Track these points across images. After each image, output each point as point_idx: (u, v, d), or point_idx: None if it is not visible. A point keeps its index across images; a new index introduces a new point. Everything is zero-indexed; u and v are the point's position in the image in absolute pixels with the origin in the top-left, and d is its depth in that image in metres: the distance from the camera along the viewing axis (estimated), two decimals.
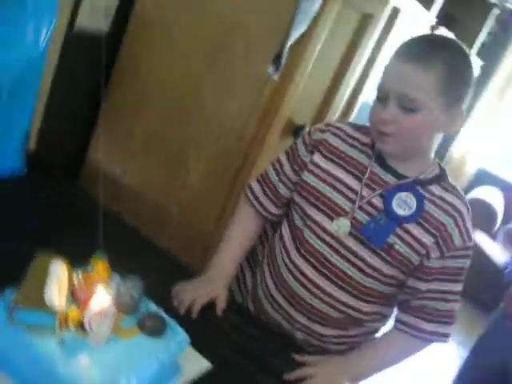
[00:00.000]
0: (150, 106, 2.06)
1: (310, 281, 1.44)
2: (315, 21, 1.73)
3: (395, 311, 1.52)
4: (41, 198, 1.66)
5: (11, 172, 1.68)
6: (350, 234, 1.39)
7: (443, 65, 1.26)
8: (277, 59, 1.72)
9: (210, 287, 1.46)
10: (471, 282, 4.72)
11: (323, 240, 1.42)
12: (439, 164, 1.44)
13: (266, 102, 1.83)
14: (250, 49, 1.82)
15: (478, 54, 3.79)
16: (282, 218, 1.56)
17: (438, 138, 1.38)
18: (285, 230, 1.52)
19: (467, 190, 5.57)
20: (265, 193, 1.55)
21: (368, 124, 1.41)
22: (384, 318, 1.54)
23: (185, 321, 1.22)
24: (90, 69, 2.10)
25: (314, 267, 1.43)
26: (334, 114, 2.30)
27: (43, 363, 0.96)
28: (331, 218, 1.40)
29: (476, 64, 4.01)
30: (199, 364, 1.24)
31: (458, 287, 1.41)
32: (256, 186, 1.57)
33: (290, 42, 1.71)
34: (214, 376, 1.23)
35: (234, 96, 1.87)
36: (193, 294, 1.41)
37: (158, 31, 2.01)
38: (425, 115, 1.28)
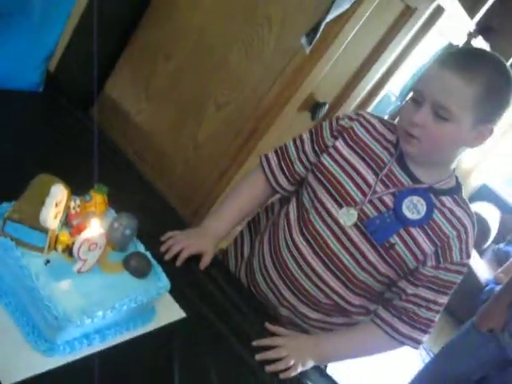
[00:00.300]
0: (176, 53, 2.04)
1: (307, 262, 1.46)
2: (358, 2, 1.71)
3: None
4: (50, 119, 1.67)
5: (29, 86, 1.68)
6: (355, 225, 1.40)
7: (486, 81, 1.26)
8: (312, 33, 1.70)
9: (200, 240, 1.48)
10: (453, 296, 4.77)
11: (327, 225, 1.43)
12: (456, 177, 1.45)
13: (292, 72, 1.81)
14: (287, 18, 1.80)
15: None
16: (292, 194, 1.57)
17: (461, 151, 1.38)
18: (292, 208, 1.53)
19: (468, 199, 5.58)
20: (281, 166, 1.55)
21: (395, 122, 1.42)
22: (369, 313, 1.56)
23: (169, 268, 1.24)
24: (122, 4, 2.09)
25: (313, 250, 1.45)
26: (355, 99, 2.28)
27: (26, 279, 0.97)
28: (340, 206, 1.42)
29: None
30: (174, 312, 1.26)
31: (444, 299, 1.42)
32: (273, 158, 1.57)
33: (328, 19, 1.69)
34: (186, 327, 1.25)
35: (262, 60, 1.85)
36: (183, 242, 1.43)
37: None
38: (455, 126, 1.28)
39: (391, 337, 1.43)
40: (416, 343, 1.44)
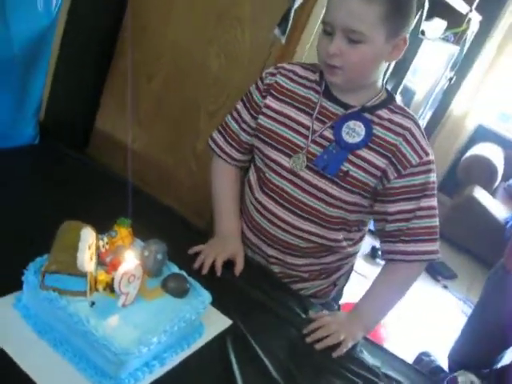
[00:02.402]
0: (157, 72, 2.07)
1: (277, 216, 1.53)
2: None
3: (379, 245, 1.57)
4: (52, 167, 1.68)
5: (25, 140, 1.70)
6: (307, 167, 1.46)
7: None
8: (283, 22, 1.73)
9: (226, 245, 1.52)
10: (473, 238, 4.80)
11: (283, 177, 1.50)
12: (387, 90, 1.49)
13: (273, 65, 1.83)
14: (256, 14, 1.83)
15: (477, 8, 3.76)
16: (250, 163, 1.64)
17: (383, 67, 1.43)
18: (251, 173, 1.61)
19: (467, 146, 5.60)
20: (228, 142, 1.62)
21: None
22: (355, 242, 1.62)
23: (204, 281, 1.27)
24: (95, 36, 2.12)
25: (278, 203, 1.52)
26: None
27: (77, 325, 1.00)
28: (289, 156, 1.48)
29: (475, 19, 4.00)
30: (221, 321, 1.29)
31: (428, 202, 1.44)
32: (218, 137, 1.65)
33: (296, 5, 1.71)
34: (235, 333, 1.28)
35: (242, 60, 1.88)
36: (212, 253, 1.47)
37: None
38: (369, 46, 1.33)
39: (405, 261, 1.46)
40: (430, 254, 1.45)
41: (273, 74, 1.53)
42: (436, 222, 1.45)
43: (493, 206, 4.91)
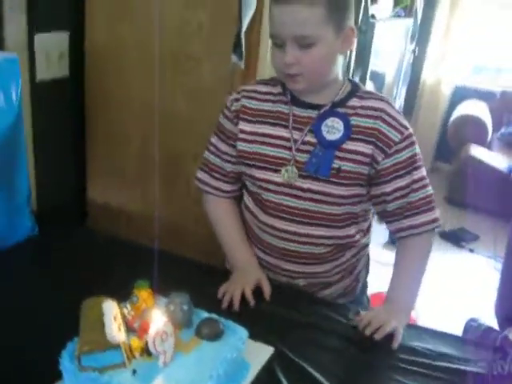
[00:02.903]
0: (132, 129, 2.09)
1: (285, 231, 1.52)
2: (260, 1, 1.76)
3: (385, 229, 1.59)
4: (58, 251, 1.69)
5: (25, 234, 1.71)
6: (300, 176, 1.46)
7: None
8: (237, 48, 1.74)
9: (248, 275, 1.52)
10: (482, 196, 4.79)
11: (280, 192, 1.50)
12: (350, 80, 1.52)
13: None
14: (209, 47, 1.85)
15: None
16: (243, 191, 1.65)
17: (340, 61, 1.45)
18: (247, 199, 1.62)
19: (451, 110, 5.61)
20: (214, 177, 1.63)
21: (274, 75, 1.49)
22: (365, 233, 1.63)
23: (237, 317, 1.27)
24: (64, 114, 2.14)
25: (283, 218, 1.52)
26: None
27: None
28: (278, 171, 1.48)
29: None
30: (263, 352, 1.28)
31: (418, 174, 1.47)
32: (203, 175, 1.66)
33: (243, 29, 1.73)
34: (281, 357, 1.27)
35: (208, 95, 1.90)
36: (239, 286, 1.46)
37: (114, 60, 2.04)
38: (322, 46, 1.35)
39: (415, 235, 1.48)
40: (431, 224, 1.48)
41: (237, 100, 1.55)
42: (430, 190, 1.49)
43: (492, 159, 4.92)
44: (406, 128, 1.44)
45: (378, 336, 1.33)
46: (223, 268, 1.72)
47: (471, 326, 2.95)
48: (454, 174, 4.90)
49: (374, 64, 3.22)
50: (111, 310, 1.09)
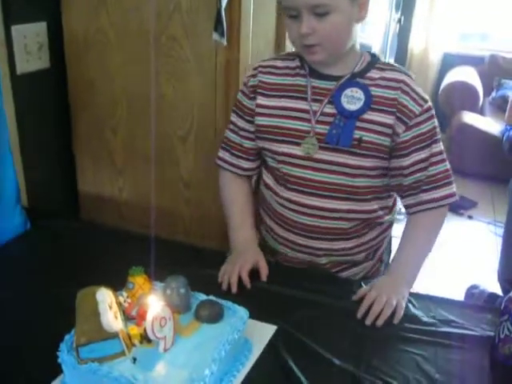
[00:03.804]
0: (118, 121, 2.06)
1: (308, 206, 1.49)
2: None
3: (399, 202, 1.59)
4: (52, 244, 1.67)
5: (16, 230, 1.69)
6: (320, 148, 1.44)
7: None
8: (218, 25, 1.71)
9: (246, 255, 1.50)
10: (478, 162, 4.76)
11: (301, 166, 1.48)
12: (368, 52, 1.49)
13: (224, 70, 1.83)
14: (188, 27, 1.81)
15: None
16: (260, 169, 1.63)
17: (356, 31, 1.42)
18: (266, 177, 1.59)
19: (440, 77, 5.58)
20: (234, 155, 1.61)
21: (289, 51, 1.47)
22: (390, 210, 1.60)
23: (234, 297, 1.27)
24: (48, 106, 2.11)
25: (305, 193, 1.49)
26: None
27: None
28: (298, 144, 1.46)
29: None
30: (265, 330, 1.27)
31: (437, 147, 1.46)
32: (224, 154, 1.64)
33: (223, 5, 1.70)
34: (285, 334, 1.26)
35: (192, 78, 1.87)
36: (235, 268, 1.44)
37: (94, 48, 2.01)
38: (338, 14, 1.33)
39: (430, 210, 1.47)
40: (450, 198, 1.47)
41: (253, 76, 1.53)
42: (448, 165, 1.47)
43: (486, 124, 4.89)
44: (426, 101, 1.43)
45: (379, 323, 1.31)
46: (218, 250, 1.70)
47: (473, 293, 2.95)
48: (448, 141, 4.87)
49: (360, 36, 3.17)
50: (106, 298, 1.06)
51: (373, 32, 3.69)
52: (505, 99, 5.09)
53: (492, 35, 5.84)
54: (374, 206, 1.53)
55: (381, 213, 1.56)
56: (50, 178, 2.19)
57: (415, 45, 5.66)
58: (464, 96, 5.07)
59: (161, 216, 2.08)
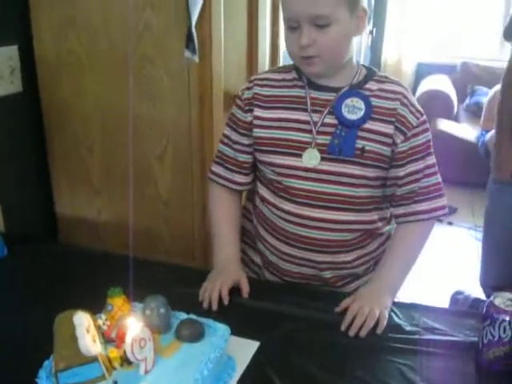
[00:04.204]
0: (93, 139, 2.04)
1: (310, 218, 1.47)
2: None
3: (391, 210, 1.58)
4: (29, 269, 1.65)
5: None
6: (322, 158, 1.43)
7: None
8: (190, 42, 1.71)
9: (227, 273, 1.48)
10: (456, 168, 4.79)
11: (302, 177, 1.46)
12: (363, 65, 1.50)
13: (198, 87, 1.82)
14: (160, 46, 1.81)
15: None
16: (254, 184, 1.60)
17: (354, 44, 1.42)
18: (262, 191, 1.56)
19: (415, 87, 5.64)
20: (228, 169, 1.59)
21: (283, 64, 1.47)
22: (388, 220, 1.60)
23: (215, 315, 1.26)
24: (22, 130, 2.09)
25: (307, 204, 1.47)
26: (264, 67, 2.29)
27: None
28: (299, 156, 1.45)
29: None
30: (248, 347, 1.25)
31: (431, 160, 1.47)
32: (217, 168, 1.61)
33: (193, 22, 1.70)
34: (267, 352, 1.24)
35: (167, 96, 1.87)
36: (215, 286, 1.42)
37: (66, 70, 2.00)
38: (338, 26, 1.33)
39: (421, 221, 1.48)
40: (441, 210, 1.49)
41: (249, 88, 1.52)
42: (440, 178, 1.49)
43: (461, 131, 4.95)
44: (422, 114, 1.44)
45: (362, 334, 1.30)
46: (199, 268, 1.68)
47: (457, 299, 2.95)
48: None
49: None
50: (83, 322, 1.04)
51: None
52: (479, 105, 5.15)
53: (463, 43, 5.91)
54: (375, 216, 1.53)
55: (380, 224, 1.55)
56: (26, 202, 2.16)
57: (388, 56, 5.71)
58: (439, 104, 5.12)
59: (140, 236, 2.06)
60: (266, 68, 2.30)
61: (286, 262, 1.56)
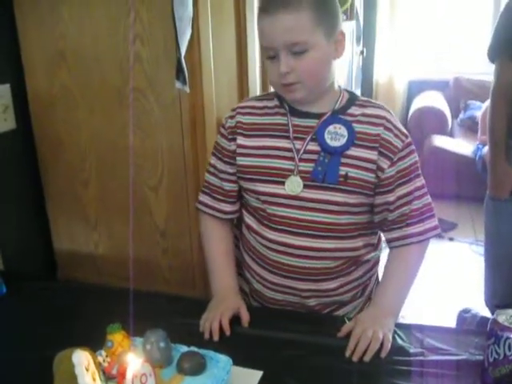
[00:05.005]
0: (88, 174, 2.04)
1: (294, 246, 1.47)
2: (195, 22, 1.73)
3: (382, 236, 1.58)
4: (28, 308, 1.63)
5: None
6: (305, 186, 1.43)
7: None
8: (180, 74, 1.71)
9: (226, 303, 1.47)
10: (454, 183, 4.78)
11: (286, 205, 1.45)
12: (345, 89, 1.51)
13: (190, 116, 1.82)
14: (152, 78, 1.82)
15: None
16: (241, 212, 1.60)
17: (334, 68, 1.44)
18: (248, 219, 1.56)
19: (408, 104, 5.67)
20: (215, 198, 1.59)
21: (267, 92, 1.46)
22: (375, 247, 1.59)
23: (217, 346, 1.24)
24: (17, 168, 2.09)
25: (291, 232, 1.46)
26: (255, 92, 2.29)
27: None
28: (282, 183, 1.44)
29: None
30: (251, 376, 1.24)
31: (421, 181, 1.47)
32: (204, 198, 1.62)
33: (183, 53, 1.70)
34: (271, 379, 1.23)
35: (158, 126, 1.87)
36: (216, 316, 1.41)
37: (59, 106, 1.99)
38: (315, 51, 1.35)
39: (414, 243, 1.47)
40: (434, 231, 1.48)
41: (232, 117, 1.52)
42: (430, 198, 1.48)
43: (457, 146, 4.96)
44: (407, 136, 1.44)
45: (366, 358, 1.29)
46: (198, 298, 1.67)
47: (465, 317, 2.92)
48: (422, 167, 4.83)
49: None
50: (82, 360, 1.03)
51: (337, 67, 3.73)
52: (473, 120, 5.17)
53: (454, 59, 5.95)
54: (359, 243, 1.51)
55: (365, 250, 1.54)
56: (24, 239, 2.15)
57: (380, 75, 5.75)
58: (433, 120, 5.15)
59: (139, 267, 2.05)
60: (258, 93, 2.30)
61: (271, 290, 1.56)
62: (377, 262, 1.64)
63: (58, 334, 1.41)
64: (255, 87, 2.29)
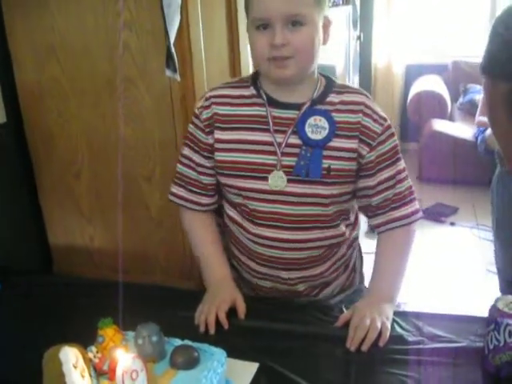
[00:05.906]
0: (80, 166, 2.02)
1: (280, 240, 1.45)
2: (184, 8, 1.70)
3: (367, 222, 1.58)
4: (24, 302, 1.62)
5: None
6: (289, 180, 1.39)
7: None
8: (170, 61, 1.68)
9: (222, 294, 1.44)
10: (455, 167, 4.76)
11: (269, 201, 1.42)
12: (323, 75, 1.46)
13: (181, 104, 1.80)
14: (141, 67, 1.79)
15: None
16: (222, 201, 1.56)
17: (319, 54, 1.39)
18: (231, 212, 1.52)
19: (407, 89, 5.63)
20: (191, 191, 1.53)
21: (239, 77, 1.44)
22: (354, 226, 1.58)
23: (211, 338, 1.23)
24: (9, 162, 2.07)
25: (276, 227, 1.44)
26: None
27: None
28: (265, 179, 1.40)
29: None
30: (247, 368, 1.22)
31: (401, 165, 1.45)
32: (178, 190, 1.55)
33: (172, 41, 1.67)
34: (268, 371, 1.21)
35: (150, 115, 1.84)
36: (212, 309, 1.38)
37: (49, 98, 1.97)
38: (311, 28, 1.31)
39: (401, 227, 1.45)
40: (418, 213, 1.48)
41: (207, 107, 1.45)
42: (411, 181, 1.47)
43: (456, 130, 4.92)
44: (385, 120, 1.42)
45: (364, 348, 1.27)
46: (193, 289, 1.65)
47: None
48: (422, 151, 4.89)
49: (322, 58, 3.17)
50: (69, 358, 1.00)
51: (334, 52, 3.69)
52: (473, 103, 5.13)
53: (452, 42, 5.90)
54: (342, 227, 1.50)
55: (347, 231, 1.53)
56: (18, 234, 2.13)
57: (378, 60, 5.70)
58: (432, 104, 5.11)
59: (136, 259, 2.03)
60: None
61: (259, 279, 1.54)
62: (356, 237, 1.63)
63: (53, 330, 1.38)
64: (248, 72, 2.26)
